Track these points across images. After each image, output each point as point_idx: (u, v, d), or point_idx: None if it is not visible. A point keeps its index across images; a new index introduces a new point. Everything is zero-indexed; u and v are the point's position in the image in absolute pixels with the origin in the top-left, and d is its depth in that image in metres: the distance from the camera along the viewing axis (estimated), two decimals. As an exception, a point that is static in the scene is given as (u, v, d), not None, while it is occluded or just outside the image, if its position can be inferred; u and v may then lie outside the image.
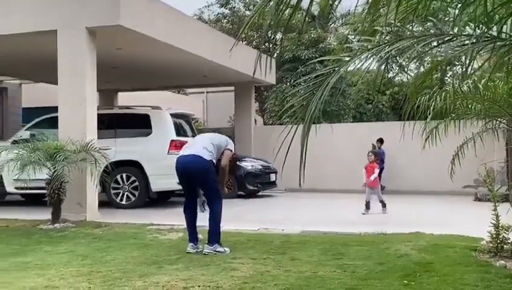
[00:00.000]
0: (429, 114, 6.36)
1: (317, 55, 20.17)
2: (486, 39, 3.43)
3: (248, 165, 14.66)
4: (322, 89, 3.37)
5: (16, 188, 11.47)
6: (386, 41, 3.82)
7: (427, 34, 3.87)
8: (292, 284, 5.11)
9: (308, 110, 3.30)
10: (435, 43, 3.93)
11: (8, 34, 10.31)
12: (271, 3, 2.91)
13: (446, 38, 3.72)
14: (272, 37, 23.21)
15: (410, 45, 3.65)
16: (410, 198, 14.18)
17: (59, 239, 7.85)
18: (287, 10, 2.85)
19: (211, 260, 6.17)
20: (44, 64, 12.13)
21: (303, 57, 19.50)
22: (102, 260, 6.29)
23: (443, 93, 5.70)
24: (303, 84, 4.11)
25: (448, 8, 4.17)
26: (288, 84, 20.91)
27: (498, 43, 3.66)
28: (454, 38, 3.66)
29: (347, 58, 4.08)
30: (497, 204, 6.29)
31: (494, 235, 6.22)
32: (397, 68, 22.38)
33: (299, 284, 5.09)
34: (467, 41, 3.48)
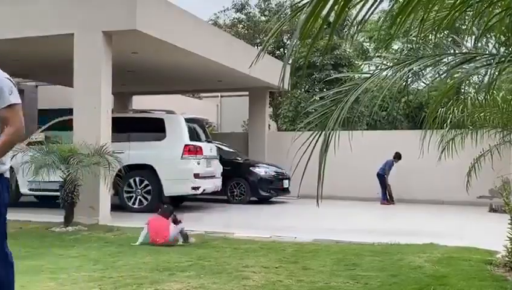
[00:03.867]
0: (446, 126, 6.28)
1: (332, 62, 20.13)
2: (510, 60, 3.35)
3: (261, 171, 14.64)
4: (339, 109, 3.32)
5: (30, 189, 11.54)
6: (406, 59, 3.76)
7: (449, 52, 3.81)
8: (304, 294, 5.07)
9: (326, 129, 3.25)
10: (451, 59, 3.85)
11: (26, 37, 10.40)
12: (302, 16, 2.86)
13: (469, 58, 3.64)
14: (288, 43, 23.17)
15: (432, 63, 3.59)
16: (424, 207, 14.07)
17: (71, 243, 7.87)
18: (313, 22, 2.81)
19: (223, 268, 6.13)
20: (60, 67, 12.23)
21: (318, 63, 19.44)
22: (113, 265, 6.29)
23: (460, 106, 5.64)
24: (318, 100, 4.06)
25: (473, 28, 4.08)
26: (302, 90, 20.89)
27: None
28: (478, 58, 3.59)
29: (366, 74, 4.01)
30: (513, 217, 6.20)
31: (510, 249, 6.12)
32: (412, 76, 22.21)
33: (311, 295, 5.05)
34: (490, 61, 3.41)
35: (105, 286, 5.28)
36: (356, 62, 22.13)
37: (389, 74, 3.59)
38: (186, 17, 11.59)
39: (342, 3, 2.64)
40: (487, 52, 3.88)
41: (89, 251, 7.20)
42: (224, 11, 25.23)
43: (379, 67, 3.80)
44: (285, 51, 23.47)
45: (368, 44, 26.20)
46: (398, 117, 21.51)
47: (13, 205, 11.99)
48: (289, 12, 3.38)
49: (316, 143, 3.71)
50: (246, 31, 24.43)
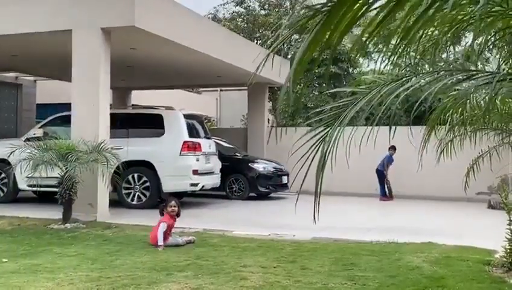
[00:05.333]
0: (445, 128, 6.27)
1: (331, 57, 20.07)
2: (511, 79, 3.33)
3: (260, 167, 14.63)
4: (338, 123, 3.31)
5: (29, 185, 11.52)
6: (405, 75, 3.74)
7: (449, 69, 3.78)
8: (302, 296, 5.06)
9: (327, 142, 3.23)
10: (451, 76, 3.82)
11: (24, 33, 10.36)
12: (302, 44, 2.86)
13: (469, 75, 3.62)
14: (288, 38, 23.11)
15: (431, 80, 3.57)
16: (422, 204, 14.08)
17: (69, 240, 7.86)
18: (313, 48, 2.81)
19: (221, 268, 6.12)
20: (59, 63, 12.19)
21: (316, 58, 19.35)
22: (111, 264, 6.28)
23: (459, 109, 5.62)
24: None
25: (474, 44, 4.06)
26: (302, 84, 20.81)
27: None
28: (478, 75, 3.57)
29: (365, 88, 4.00)
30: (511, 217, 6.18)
31: (508, 250, 6.11)
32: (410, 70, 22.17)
33: (309, 297, 5.04)
34: (491, 80, 3.38)
35: (103, 287, 5.27)
36: (354, 56, 22.04)
37: (387, 90, 3.57)
38: (185, 13, 11.53)
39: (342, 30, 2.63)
40: (488, 70, 3.86)
41: (87, 249, 7.19)
42: (224, 4, 25.14)
43: (377, 84, 3.78)
44: (285, 46, 23.40)
45: (369, 42, 26.09)
46: (397, 112, 21.45)
47: (11, 201, 12.09)
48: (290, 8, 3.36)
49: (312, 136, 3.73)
50: (246, 25, 24.33)
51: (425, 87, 3.82)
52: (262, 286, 5.40)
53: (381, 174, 15.21)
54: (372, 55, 19.32)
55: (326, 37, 2.76)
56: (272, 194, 15.10)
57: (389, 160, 15.16)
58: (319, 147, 3.48)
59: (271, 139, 17.34)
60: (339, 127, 3.34)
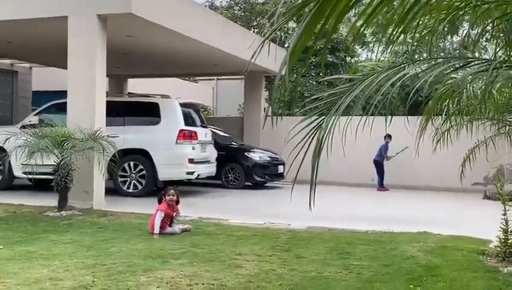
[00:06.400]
0: (441, 117, 6.27)
1: (328, 46, 20.04)
2: (508, 66, 3.31)
3: (256, 156, 14.63)
4: (334, 111, 3.30)
5: (24, 173, 11.49)
6: (401, 62, 3.72)
7: (445, 56, 3.76)
8: (297, 284, 5.07)
9: (323, 128, 3.22)
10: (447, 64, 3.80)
11: (20, 19, 10.28)
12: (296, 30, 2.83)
13: (465, 62, 3.60)
14: (284, 26, 23.03)
15: (428, 68, 3.55)
16: (418, 194, 14.13)
17: (65, 228, 7.85)
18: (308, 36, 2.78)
19: (216, 256, 6.14)
20: (55, 50, 12.12)
21: (314, 48, 19.31)
22: (107, 251, 6.28)
23: (456, 98, 5.61)
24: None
25: (470, 31, 4.04)
26: (298, 74, 20.78)
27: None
28: (474, 63, 3.55)
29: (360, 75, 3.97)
30: (507, 208, 6.19)
31: (502, 240, 6.14)
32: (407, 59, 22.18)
33: (304, 285, 5.05)
34: (486, 67, 3.36)
35: (98, 274, 5.27)
36: (352, 45, 22.00)
37: (384, 77, 3.56)
38: (182, 1, 11.47)
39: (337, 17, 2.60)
40: (485, 58, 3.84)
41: (82, 236, 7.19)
42: (221, -8, 25.01)
43: (374, 71, 3.76)
44: (282, 34, 23.31)
45: (365, 28, 26.05)
46: (394, 101, 21.45)
47: (7, 188, 12.05)
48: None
49: (312, 130, 3.71)
50: (243, 13, 24.24)
51: (421, 75, 3.80)
52: (257, 274, 5.41)
53: (379, 165, 15.23)
54: (370, 45, 19.29)
55: (321, 23, 2.73)
56: (268, 184, 15.12)
57: (385, 149, 15.17)
58: (315, 135, 3.46)
59: (265, 127, 17.29)
60: (334, 115, 3.33)
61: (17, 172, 11.67)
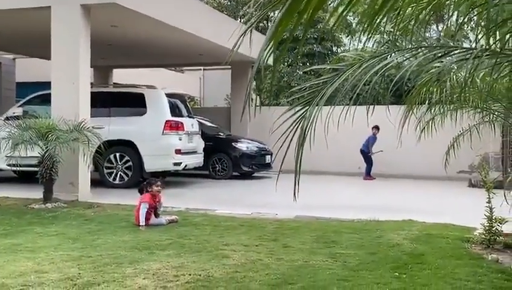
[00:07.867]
0: (426, 104, 6.29)
1: (315, 35, 20.02)
2: (488, 54, 3.32)
3: (243, 146, 14.63)
4: (317, 100, 3.29)
5: (8, 165, 11.37)
6: (384, 51, 3.72)
7: (426, 46, 3.76)
8: (284, 273, 5.08)
9: (306, 118, 3.22)
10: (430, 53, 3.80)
11: (3, 10, 10.14)
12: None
13: (446, 51, 3.60)
14: (271, 15, 22.94)
15: (410, 56, 3.55)
16: (404, 183, 14.22)
17: (50, 220, 7.79)
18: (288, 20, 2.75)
19: (203, 246, 6.13)
20: (39, 40, 11.95)
21: (301, 37, 19.30)
22: (92, 243, 6.25)
23: (439, 87, 5.63)
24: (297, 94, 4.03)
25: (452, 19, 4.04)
26: (285, 64, 20.77)
27: (500, 58, 3.54)
28: (455, 51, 3.55)
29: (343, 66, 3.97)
30: (491, 195, 6.24)
31: (487, 228, 6.20)
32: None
33: (291, 274, 5.06)
34: (467, 56, 3.37)
35: (84, 266, 5.24)
36: (340, 35, 22.02)
37: (368, 66, 3.55)
38: (167, -10, 11.36)
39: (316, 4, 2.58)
40: (466, 47, 3.85)
41: (68, 228, 7.14)
42: (207, -19, 24.81)
43: (358, 61, 3.75)
44: (269, 23, 23.24)
45: (352, 18, 26.03)
46: (380, 91, 21.51)
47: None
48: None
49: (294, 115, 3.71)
50: (229, 3, 24.11)
51: (405, 64, 3.81)
52: (244, 263, 5.41)
53: (366, 155, 15.30)
54: (356, 35, 19.27)
55: (299, 9, 2.70)
56: (255, 174, 15.13)
57: (373, 140, 15.23)
58: (299, 124, 3.46)
59: (252, 117, 17.27)
60: (318, 105, 3.32)
61: (2, 164, 11.53)
